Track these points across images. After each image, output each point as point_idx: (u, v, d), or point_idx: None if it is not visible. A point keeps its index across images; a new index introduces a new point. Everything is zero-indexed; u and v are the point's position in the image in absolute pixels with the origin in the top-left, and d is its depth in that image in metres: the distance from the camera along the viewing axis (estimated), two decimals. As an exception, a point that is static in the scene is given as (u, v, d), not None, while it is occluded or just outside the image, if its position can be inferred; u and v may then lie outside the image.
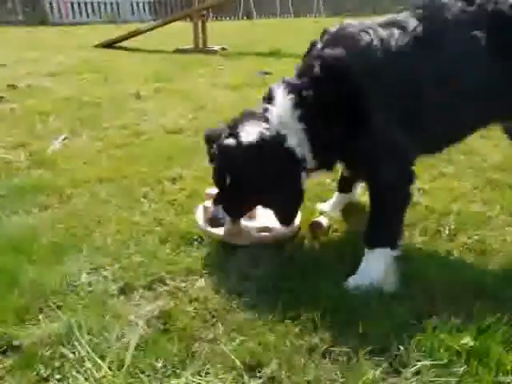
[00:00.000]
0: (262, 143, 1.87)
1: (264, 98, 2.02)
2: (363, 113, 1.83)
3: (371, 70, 1.83)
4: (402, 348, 1.49)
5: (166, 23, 9.68)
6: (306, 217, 2.33)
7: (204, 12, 9.23)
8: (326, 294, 1.77)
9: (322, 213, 2.42)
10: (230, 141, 1.92)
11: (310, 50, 1.98)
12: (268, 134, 1.88)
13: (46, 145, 3.46)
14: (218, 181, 2.01)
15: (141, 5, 17.84)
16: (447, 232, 2.25)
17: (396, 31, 1.86)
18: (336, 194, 2.52)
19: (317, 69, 1.85)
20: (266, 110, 1.95)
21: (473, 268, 1.99)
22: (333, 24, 2.01)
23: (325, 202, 2.52)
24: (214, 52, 8.44)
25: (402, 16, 1.94)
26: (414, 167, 1.92)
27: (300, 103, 1.87)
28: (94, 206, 2.53)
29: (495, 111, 2.05)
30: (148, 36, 9.51)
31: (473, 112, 1.98)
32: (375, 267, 1.89)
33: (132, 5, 17.63)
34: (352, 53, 1.84)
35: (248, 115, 1.99)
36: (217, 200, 2.06)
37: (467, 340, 1.46)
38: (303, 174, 1.95)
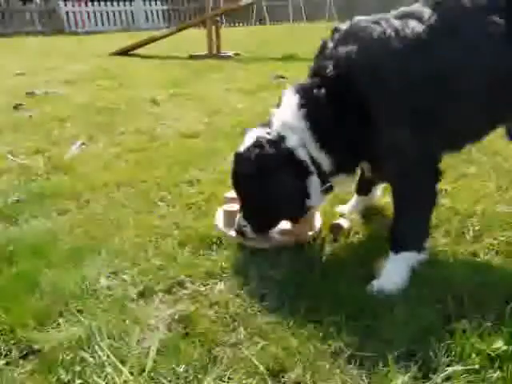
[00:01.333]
0: (256, 145, 1.90)
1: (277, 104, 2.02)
2: (379, 111, 1.77)
3: (387, 63, 1.76)
4: (430, 353, 1.44)
5: (179, 30, 9.75)
6: (327, 219, 2.29)
7: (217, 18, 9.27)
8: (349, 298, 1.73)
9: (342, 215, 2.38)
10: (238, 150, 2.00)
11: (322, 50, 1.93)
12: (266, 137, 1.90)
13: (64, 150, 3.48)
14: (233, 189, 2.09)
15: (155, 13, 18.04)
16: (472, 233, 2.18)
17: (411, 21, 1.79)
18: (355, 196, 2.48)
19: (330, 68, 1.80)
20: (272, 113, 1.98)
21: (501, 270, 1.92)
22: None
23: (345, 205, 2.48)
24: (228, 57, 8.46)
25: (415, 6, 1.87)
26: (439, 165, 1.86)
27: (306, 102, 1.84)
28: (112, 210, 2.53)
29: None
30: (162, 43, 9.59)
31: (495, 103, 1.88)
32: (400, 271, 1.83)
33: (146, 13, 17.84)
34: (365, 46, 1.78)
35: (261, 123, 2.03)
36: (240, 208, 2.10)
37: (500, 344, 1.40)
38: (312, 178, 1.90)
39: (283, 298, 1.77)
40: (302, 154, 1.87)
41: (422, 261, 1.89)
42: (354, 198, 2.47)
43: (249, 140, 1.96)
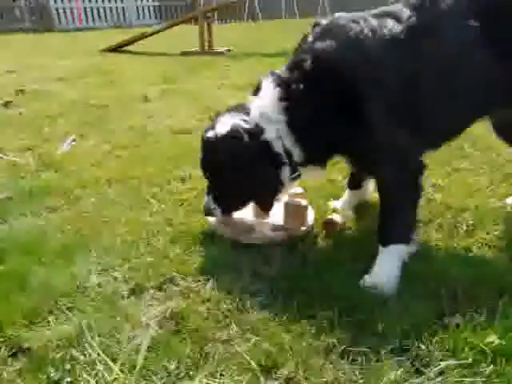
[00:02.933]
0: (234, 134, 1.90)
1: (253, 91, 2.01)
2: (356, 107, 1.77)
3: (363, 61, 1.77)
4: (423, 347, 1.44)
5: (171, 26, 9.68)
6: (319, 215, 2.28)
7: (209, 14, 9.22)
8: (342, 293, 1.72)
9: (334, 210, 2.37)
10: (209, 133, 1.98)
11: (302, 43, 1.94)
12: (244, 125, 1.90)
13: (54, 147, 3.44)
14: (202, 171, 2.09)
15: (146, 9, 17.92)
16: (465, 228, 2.19)
17: (389, 20, 1.81)
18: (347, 191, 2.47)
19: (308, 63, 1.81)
20: (250, 102, 1.98)
21: (493, 264, 1.92)
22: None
23: (337, 200, 2.47)
24: (220, 54, 8.43)
25: (395, 6, 1.89)
26: (422, 158, 1.86)
27: (286, 96, 1.85)
28: (103, 206, 2.50)
29: (493, 99, 1.96)
30: (154, 40, 9.52)
31: (472, 101, 1.91)
32: (390, 265, 1.83)
33: (137, 9, 17.71)
34: (342, 44, 1.79)
35: (233, 108, 2.03)
36: (207, 191, 2.11)
37: (493, 338, 1.40)
38: (284, 169, 1.93)
39: (276, 294, 1.76)
40: (278, 147, 1.90)
41: (412, 253, 1.88)
42: (347, 193, 2.46)
43: (223, 126, 1.94)
